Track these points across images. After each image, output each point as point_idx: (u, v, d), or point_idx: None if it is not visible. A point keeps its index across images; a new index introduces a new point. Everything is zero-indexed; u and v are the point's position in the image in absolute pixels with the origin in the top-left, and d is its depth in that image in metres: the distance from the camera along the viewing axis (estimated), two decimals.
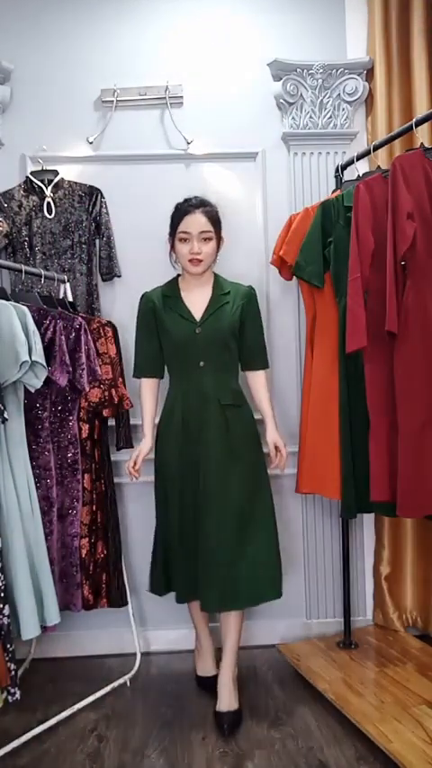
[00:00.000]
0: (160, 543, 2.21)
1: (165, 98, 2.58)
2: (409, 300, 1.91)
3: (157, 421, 2.24)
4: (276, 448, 2.21)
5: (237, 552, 2.04)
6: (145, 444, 2.19)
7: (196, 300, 2.17)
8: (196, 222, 2.10)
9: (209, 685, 2.25)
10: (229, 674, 2.14)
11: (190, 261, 2.12)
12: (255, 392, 2.26)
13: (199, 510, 2.07)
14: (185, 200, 2.16)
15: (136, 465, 2.16)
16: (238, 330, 2.17)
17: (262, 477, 2.16)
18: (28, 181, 2.51)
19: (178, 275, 2.24)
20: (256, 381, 2.26)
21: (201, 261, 2.12)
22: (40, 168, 2.52)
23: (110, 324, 2.35)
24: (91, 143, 2.59)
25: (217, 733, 2.04)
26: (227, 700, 2.10)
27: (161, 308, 2.18)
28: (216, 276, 2.23)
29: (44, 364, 1.88)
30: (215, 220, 2.15)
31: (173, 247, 2.18)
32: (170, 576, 2.17)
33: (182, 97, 2.60)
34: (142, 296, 2.23)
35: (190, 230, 2.10)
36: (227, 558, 2.03)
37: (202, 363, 2.12)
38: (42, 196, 2.50)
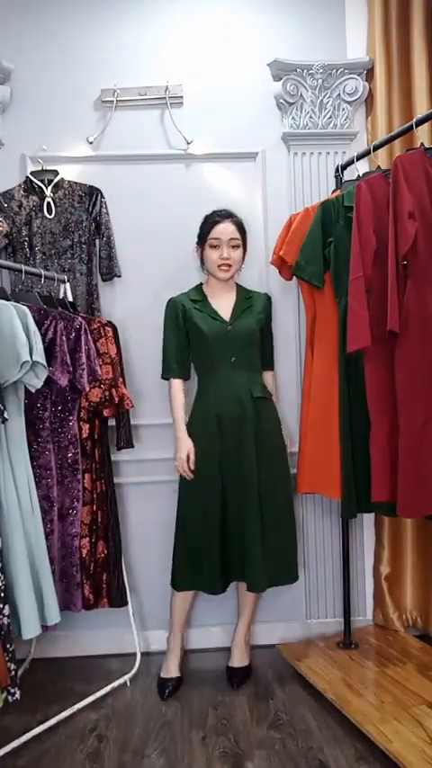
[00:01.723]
0: (188, 540, 2.28)
1: (165, 98, 2.58)
2: (409, 300, 1.91)
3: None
4: None
5: (273, 535, 2.23)
6: (186, 441, 2.27)
7: (223, 304, 2.34)
8: (226, 230, 2.28)
9: (166, 687, 2.32)
10: (244, 634, 2.43)
11: (220, 266, 2.29)
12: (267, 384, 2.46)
13: (243, 500, 2.21)
14: (214, 212, 2.33)
15: (189, 462, 2.25)
16: (260, 330, 2.37)
17: (286, 463, 2.35)
18: (28, 181, 2.51)
19: (200, 284, 2.41)
20: (268, 379, 2.47)
21: (230, 266, 2.30)
22: (40, 168, 2.52)
23: (110, 324, 2.35)
24: (91, 143, 2.58)
25: (217, 732, 2.04)
26: (239, 656, 2.41)
27: (190, 309, 2.32)
28: (238, 285, 2.42)
29: (45, 364, 1.88)
30: (243, 230, 2.34)
31: (202, 255, 2.35)
32: (200, 572, 2.26)
33: (182, 97, 2.60)
34: (169, 300, 2.36)
35: (220, 237, 2.28)
36: (269, 541, 2.22)
37: (233, 359, 2.28)
38: (42, 196, 2.50)
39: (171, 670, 2.37)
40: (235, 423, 2.23)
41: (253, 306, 2.36)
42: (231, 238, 2.29)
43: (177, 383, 2.34)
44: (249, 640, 2.47)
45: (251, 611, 2.44)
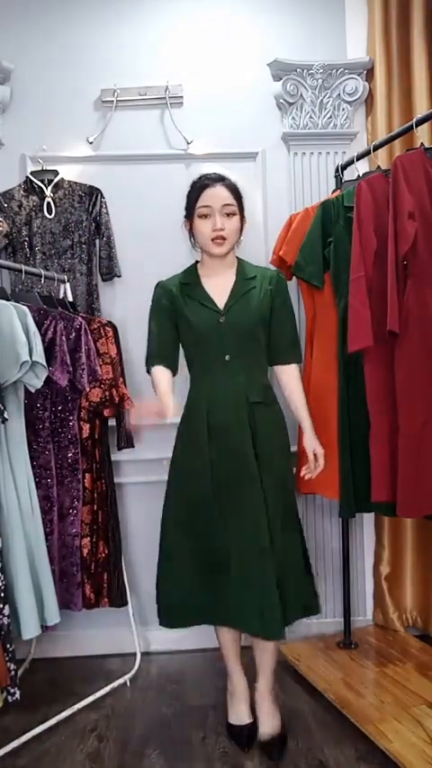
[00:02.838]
0: (173, 563, 1.93)
1: (165, 98, 2.58)
2: (409, 300, 1.91)
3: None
4: (315, 456, 1.99)
5: (270, 571, 1.80)
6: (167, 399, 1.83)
7: (218, 287, 1.93)
8: (218, 195, 1.88)
9: (243, 735, 1.98)
10: (269, 690, 1.98)
11: (213, 240, 1.88)
12: (287, 390, 2.01)
13: (228, 524, 1.85)
14: (202, 176, 1.95)
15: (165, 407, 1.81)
16: (267, 318, 1.94)
17: (291, 489, 1.99)
18: (28, 181, 2.51)
19: (196, 262, 2.02)
20: (288, 377, 2.00)
21: (224, 239, 1.88)
22: (40, 168, 2.52)
23: (110, 324, 2.35)
24: (91, 143, 2.59)
25: (217, 732, 2.03)
26: (269, 721, 1.95)
27: (179, 295, 1.94)
28: (240, 260, 2.00)
29: (44, 364, 1.88)
30: (238, 194, 1.93)
31: (191, 229, 1.95)
32: (189, 601, 1.90)
33: (182, 97, 2.60)
34: (157, 285, 2.00)
35: (211, 204, 1.88)
36: (260, 578, 1.80)
37: (227, 357, 1.88)
38: (42, 196, 2.50)
39: (241, 715, 2.01)
40: (226, 432, 1.87)
41: (256, 288, 1.93)
42: (225, 204, 1.88)
43: (159, 368, 1.92)
44: (278, 695, 2.05)
45: (272, 661, 1.97)
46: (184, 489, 1.93)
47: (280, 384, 2.02)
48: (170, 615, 1.94)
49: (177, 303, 1.94)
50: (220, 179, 1.91)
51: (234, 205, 1.90)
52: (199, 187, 1.91)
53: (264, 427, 1.90)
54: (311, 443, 1.99)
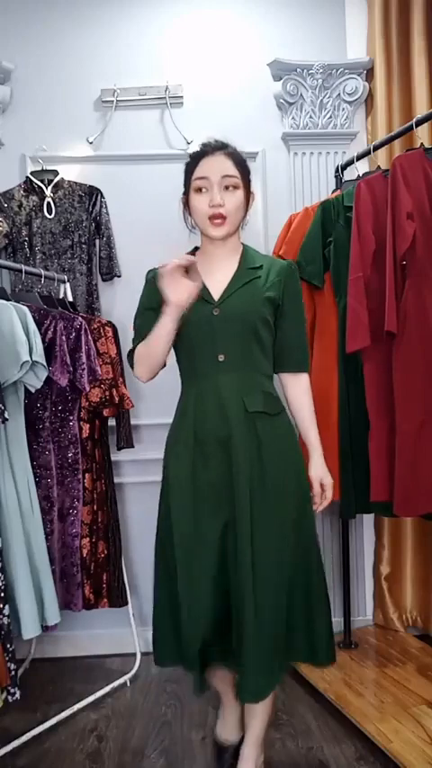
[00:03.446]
0: (167, 597, 1.64)
1: (165, 98, 2.58)
2: (408, 301, 1.92)
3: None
4: (322, 486, 1.67)
5: (280, 621, 1.55)
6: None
7: (217, 275, 1.63)
8: (217, 165, 1.58)
9: (229, 754, 1.83)
10: (256, 748, 1.73)
11: (211, 218, 1.58)
12: (295, 404, 1.71)
13: (227, 561, 1.56)
14: (203, 144, 1.66)
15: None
16: (272, 314, 1.64)
17: (307, 515, 1.63)
18: (28, 181, 2.51)
19: (195, 248, 1.74)
20: (297, 388, 1.70)
21: (224, 218, 1.57)
22: (40, 168, 2.52)
23: (110, 324, 2.35)
24: (91, 143, 2.59)
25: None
26: None
27: None
28: (245, 247, 1.71)
29: (44, 364, 1.88)
30: (243, 165, 1.62)
31: (187, 205, 1.65)
32: (187, 639, 1.60)
33: (182, 97, 2.61)
34: (149, 271, 1.73)
35: (208, 175, 1.58)
36: (268, 630, 1.53)
37: (220, 357, 1.59)
38: (42, 196, 2.50)
39: (228, 731, 1.85)
40: (219, 448, 1.56)
41: (260, 278, 1.63)
42: (225, 176, 1.57)
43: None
44: (275, 700, 1.88)
45: (262, 726, 1.72)
46: (175, 518, 1.61)
47: (287, 397, 1.71)
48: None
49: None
50: (220, 146, 1.62)
51: (236, 176, 1.59)
52: (196, 156, 1.63)
53: (268, 442, 1.58)
54: (319, 471, 1.67)
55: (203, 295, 1.59)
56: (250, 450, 1.55)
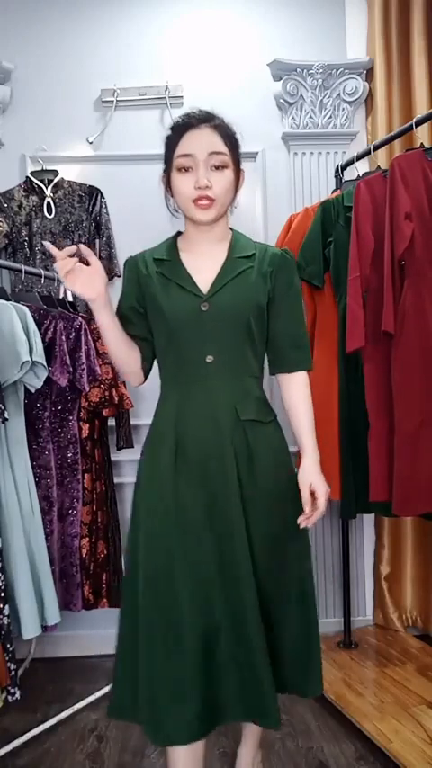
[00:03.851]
0: (132, 642, 1.41)
1: (165, 98, 2.58)
2: (406, 300, 1.92)
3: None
4: (313, 494, 1.45)
5: (264, 652, 1.37)
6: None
7: (203, 265, 1.45)
8: (203, 140, 1.38)
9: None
10: (252, 762, 1.65)
11: (196, 201, 1.39)
12: (290, 405, 1.52)
13: (212, 589, 1.36)
14: (185, 114, 1.43)
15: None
16: (266, 309, 1.47)
17: (300, 534, 1.47)
18: (28, 181, 2.51)
19: (178, 233, 1.56)
20: (294, 388, 1.51)
21: (212, 200, 1.38)
22: (40, 168, 2.52)
23: None
24: (91, 143, 2.59)
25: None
26: None
27: (151, 274, 1.47)
28: (235, 233, 1.52)
29: (45, 364, 1.88)
30: (232, 140, 1.43)
31: (169, 186, 1.46)
32: (157, 695, 1.36)
33: (182, 97, 2.61)
34: (126, 261, 1.55)
35: (193, 152, 1.38)
36: (256, 659, 1.35)
37: (210, 358, 1.41)
38: (42, 196, 2.50)
39: None
40: (205, 461, 1.39)
41: (253, 269, 1.45)
42: (213, 153, 1.38)
43: None
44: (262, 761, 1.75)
45: (259, 733, 1.67)
46: (149, 541, 1.41)
47: (284, 400, 1.54)
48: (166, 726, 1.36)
49: (148, 285, 1.47)
50: (206, 118, 1.40)
51: (225, 154, 1.40)
52: (178, 129, 1.41)
53: (260, 453, 1.42)
54: (311, 477, 1.46)
55: (188, 287, 1.42)
56: (240, 462, 1.39)
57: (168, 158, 1.44)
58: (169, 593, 1.35)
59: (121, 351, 1.46)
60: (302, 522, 1.43)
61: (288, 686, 1.46)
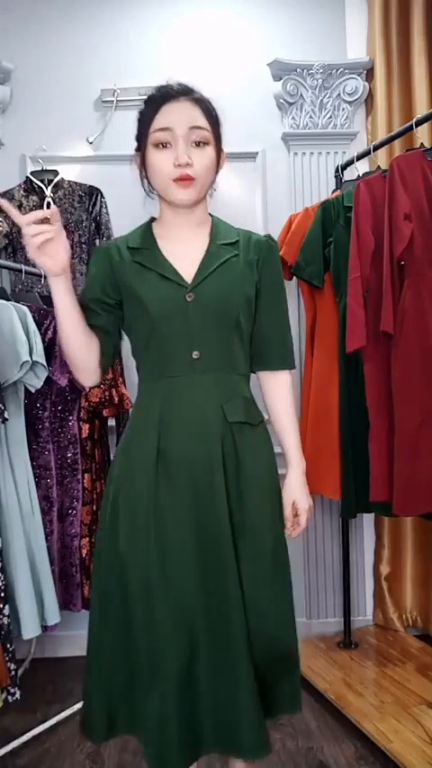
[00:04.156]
0: (105, 661, 1.29)
1: None
2: (406, 300, 1.92)
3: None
4: (295, 510, 1.40)
5: (249, 672, 1.25)
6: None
7: (184, 252, 1.33)
8: (183, 114, 1.27)
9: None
10: None
11: (176, 180, 1.27)
12: (273, 406, 1.44)
13: (194, 607, 1.24)
14: (161, 86, 1.32)
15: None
16: (253, 301, 1.37)
17: (283, 551, 1.37)
18: (28, 181, 2.51)
19: (152, 219, 1.43)
20: (277, 388, 1.43)
21: (192, 179, 1.27)
22: (40, 168, 2.52)
23: None
24: (91, 143, 2.59)
25: None
26: None
27: (126, 262, 1.33)
28: (214, 218, 1.42)
29: (45, 364, 1.89)
30: (213, 115, 1.32)
31: (144, 163, 1.35)
32: (135, 716, 1.28)
33: None
34: (96, 250, 1.41)
35: (172, 126, 1.26)
36: (244, 684, 1.23)
37: (195, 354, 1.29)
38: (42, 196, 2.50)
39: None
40: (189, 467, 1.26)
41: (239, 257, 1.34)
42: (193, 127, 1.27)
43: None
44: None
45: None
46: (124, 554, 1.27)
47: (265, 400, 1.45)
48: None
49: (123, 273, 1.32)
50: (186, 91, 1.30)
51: (207, 129, 1.29)
52: (154, 101, 1.29)
53: (247, 459, 1.30)
54: (295, 493, 1.39)
55: (171, 276, 1.30)
56: (228, 468, 1.27)
57: (143, 133, 1.32)
58: (151, 604, 1.25)
59: (80, 341, 1.30)
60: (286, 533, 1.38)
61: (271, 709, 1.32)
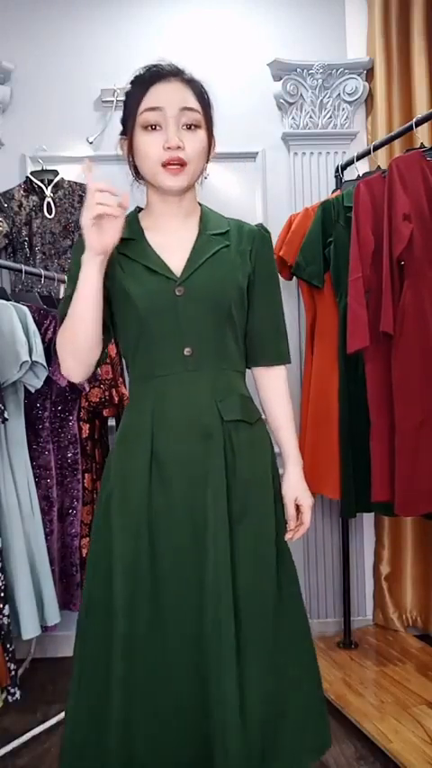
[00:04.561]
0: (98, 692, 1.21)
1: None
2: (406, 300, 1.92)
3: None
4: (297, 508, 1.35)
5: (263, 694, 1.20)
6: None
7: (173, 243, 1.27)
8: (173, 94, 1.22)
9: None
10: None
11: (166, 165, 1.21)
12: (268, 401, 1.39)
13: (189, 622, 1.18)
14: (150, 66, 1.28)
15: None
16: (246, 293, 1.31)
17: (286, 556, 1.33)
18: (28, 181, 2.51)
19: (138, 209, 1.37)
20: (272, 383, 1.38)
21: (183, 165, 1.21)
22: (40, 168, 2.52)
23: None
24: (91, 143, 2.59)
25: None
26: None
27: (113, 257, 1.23)
28: (204, 207, 1.36)
29: (44, 364, 1.89)
30: (205, 98, 1.27)
31: (131, 149, 1.27)
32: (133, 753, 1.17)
33: None
34: (78, 240, 1.27)
35: (163, 106, 1.20)
36: (253, 695, 1.18)
37: (187, 350, 1.24)
38: (42, 196, 2.50)
39: None
40: (183, 469, 1.21)
41: (230, 247, 1.29)
42: (184, 108, 1.21)
43: None
44: None
45: None
46: (115, 564, 1.21)
47: (260, 396, 1.40)
48: None
49: (111, 267, 1.24)
50: (177, 71, 1.26)
51: (198, 112, 1.23)
52: (143, 81, 1.24)
53: (244, 459, 1.25)
54: (296, 491, 1.34)
55: (159, 269, 1.23)
56: (224, 469, 1.21)
57: (130, 115, 1.24)
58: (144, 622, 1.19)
59: (92, 330, 1.21)
60: (287, 537, 1.34)
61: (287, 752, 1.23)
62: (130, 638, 1.17)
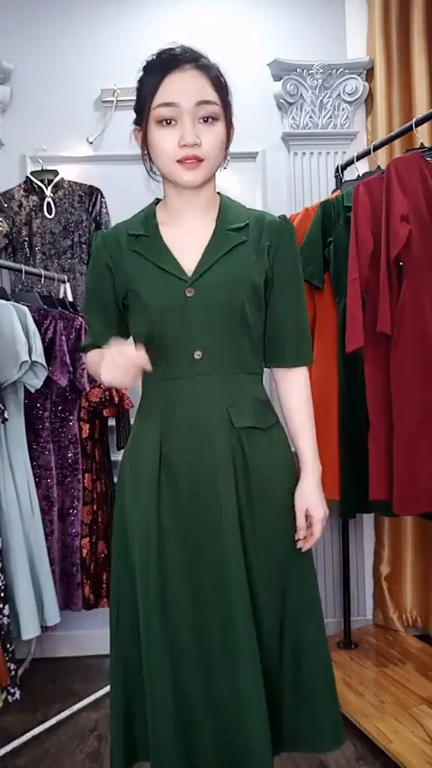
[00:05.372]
0: (128, 687, 1.26)
1: None
2: (405, 301, 1.92)
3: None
4: (308, 518, 1.26)
5: (275, 694, 1.24)
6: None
7: (188, 241, 1.22)
8: (189, 86, 1.15)
9: None
10: None
11: (181, 161, 1.16)
12: (287, 404, 1.31)
13: (203, 625, 1.18)
14: (163, 51, 1.18)
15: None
16: (263, 290, 1.25)
17: (307, 562, 1.28)
18: (28, 181, 2.51)
19: (156, 201, 1.33)
20: (294, 386, 1.30)
21: (200, 160, 1.16)
22: (40, 168, 2.52)
23: None
24: (91, 143, 2.59)
25: None
26: None
27: (125, 253, 1.23)
28: (224, 198, 1.30)
29: (44, 364, 1.89)
30: (222, 86, 1.22)
31: (145, 141, 1.22)
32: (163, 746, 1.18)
33: None
34: (94, 240, 1.31)
35: (178, 101, 1.14)
36: (273, 693, 1.22)
37: (197, 354, 1.20)
38: (42, 196, 2.50)
39: None
40: (194, 475, 1.18)
41: (248, 243, 1.22)
42: (201, 102, 1.15)
43: (93, 351, 1.29)
44: None
45: None
46: (131, 567, 1.23)
47: (279, 398, 1.33)
48: None
49: (123, 265, 1.22)
50: (192, 57, 1.16)
51: (216, 103, 1.18)
52: (156, 70, 1.16)
53: (257, 466, 1.21)
54: (309, 500, 1.26)
55: (171, 269, 1.18)
56: (236, 476, 1.18)
57: (143, 107, 1.17)
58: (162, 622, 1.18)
59: None
60: (299, 544, 1.27)
61: (293, 742, 1.28)
62: (146, 642, 1.18)
